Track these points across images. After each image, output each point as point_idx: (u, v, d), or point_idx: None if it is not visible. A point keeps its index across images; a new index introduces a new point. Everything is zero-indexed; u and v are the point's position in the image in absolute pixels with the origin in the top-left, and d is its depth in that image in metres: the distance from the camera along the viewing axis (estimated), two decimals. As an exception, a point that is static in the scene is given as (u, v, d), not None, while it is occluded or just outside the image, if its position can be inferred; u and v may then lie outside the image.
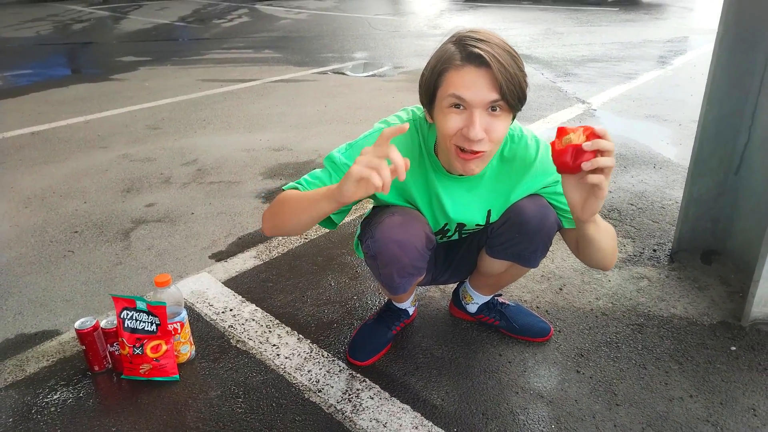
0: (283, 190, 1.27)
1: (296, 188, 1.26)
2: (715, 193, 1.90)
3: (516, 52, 1.12)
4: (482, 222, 1.37)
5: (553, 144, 1.00)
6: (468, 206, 1.34)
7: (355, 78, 5.22)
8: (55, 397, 1.47)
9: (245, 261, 2.11)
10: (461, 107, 1.10)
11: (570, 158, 0.97)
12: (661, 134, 3.45)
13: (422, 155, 1.29)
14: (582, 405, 1.41)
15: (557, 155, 0.99)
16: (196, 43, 7.43)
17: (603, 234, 1.17)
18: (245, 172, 2.98)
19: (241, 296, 1.88)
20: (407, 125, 0.99)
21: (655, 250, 2.10)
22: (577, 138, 0.97)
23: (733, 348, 1.59)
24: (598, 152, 0.96)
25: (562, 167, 1.00)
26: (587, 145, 0.95)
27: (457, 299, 1.72)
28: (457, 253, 1.56)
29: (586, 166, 0.95)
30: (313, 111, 4.07)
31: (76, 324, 1.49)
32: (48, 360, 1.60)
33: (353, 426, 1.36)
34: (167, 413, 1.41)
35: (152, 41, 7.58)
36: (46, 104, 4.38)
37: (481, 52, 1.06)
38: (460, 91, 1.08)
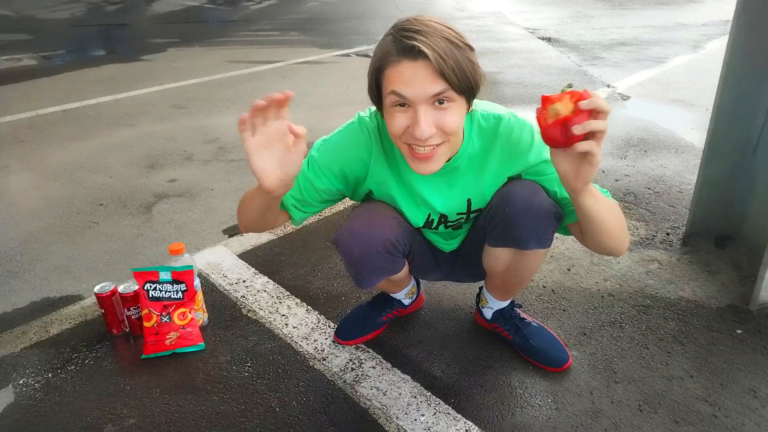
0: None
1: (293, 208, 1.27)
2: (730, 176, 1.87)
3: (461, 38, 1.03)
4: (463, 210, 1.30)
5: (539, 118, 0.92)
6: (447, 195, 1.27)
7: (378, 60, 5.22)
8: (74, 356, 1.55)
9: (260, 235, 2.17)
10: (405, 105, 1.04)
11: (560, 134, 0.89)
12: (685, 119, 3.38)
13: (393, 152, 1.24)
14: (580, 381, 1.43)
15: (545, 131, 0.91)
16: (224, 24, 7.52)
17: (605, 208, 1.06)
18: (265, 151, 3.03)
19: (254, 269, 1.94)
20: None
21: (668, 234, 2.08)
22: (564, 108, 0.88)
23: (739, 331, 1.58)
24: (592, 112, 0.87)
25: (553, 143, 0.92)
26: (578, 127, 0.86)
27: (477, 304, 1.62)
28: (460, 249, 1.47)
29: (577, 129, 0.86)
30: (335, 92, 4.11)
31: (96, 288, 1.57)
32: (70, 323, 1.69)
33: (354, 393, 1.41)
34: (178, 374, 1.48)
35: (182, 23, 7.69)
36: (78, 83, 4.52)
37: (415, 43, 0.98)
38: (399, 87, 1.02)
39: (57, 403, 1.40)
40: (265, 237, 2.15)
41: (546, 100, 0.91)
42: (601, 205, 1.05)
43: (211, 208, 2.41)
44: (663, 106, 3.63)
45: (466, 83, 1.03)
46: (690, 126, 3.25)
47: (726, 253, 1.93)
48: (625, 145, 2.97)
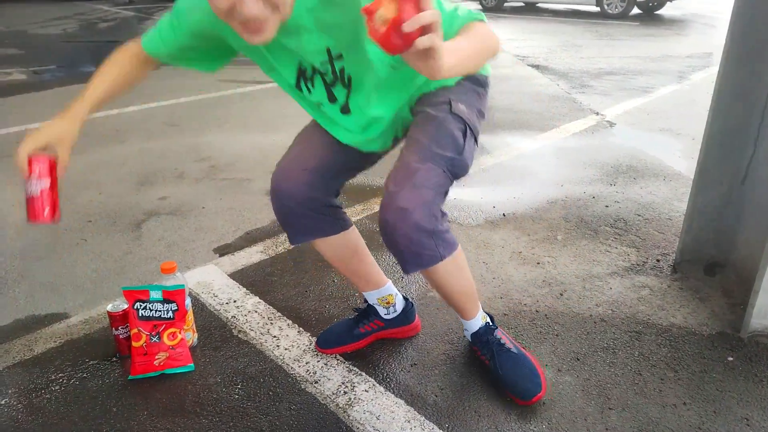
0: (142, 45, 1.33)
1: (151, 39, 1.32)
2: (720, 204, 1.90)
3: None
4: (325, 57, 1.19)
5: (371, 33, 0.84)
6: (301, 41, 1.16)
7: (371, 83, 5.27)
8: (59, 376, 1.51)
9: (251, 255, 2.15)
10: None
11: (398, 38, 0.82)
12: (673, 148, 3.44)
13: None
14: (574, 407, 1.42)
15: (383, 42, 0.83)
16: (217, 44, 7.55)
17: (467, 60, 1.01)
18: (257, 170, 3.03)
19: (245, 288, 1.92)
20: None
21: (658, 260, 2.10)
22: (388, 11, 0.81)
23: (730, 358, 1.59)
24: (418, 4, 0.81)
25: (396, 50, 0.84)
26: (407, 25, 0.80)
27: None
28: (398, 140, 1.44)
29: (407, 27, 0.80)
30: (328, 114, 4.13)
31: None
32: (55, 341, 1.65)
33: (347, 417, 1.39)
34: (166, 396, 1.45)
35: (175, 42, 7.71)
36: (68, 99, 4.45)
37: None
38: None
39: (40, 425, 1.36)
40: (256, 257, 2.14)
41: (369, 12, 0.83)
42: (464, 62, 1.00)
43: (202, 226, 2.39)
44: (650, 135, 3.69)
45: None
46: (677, 155, 3.30)
47: (716, 281, 1.94)
48: (615, 172, 3.00)
